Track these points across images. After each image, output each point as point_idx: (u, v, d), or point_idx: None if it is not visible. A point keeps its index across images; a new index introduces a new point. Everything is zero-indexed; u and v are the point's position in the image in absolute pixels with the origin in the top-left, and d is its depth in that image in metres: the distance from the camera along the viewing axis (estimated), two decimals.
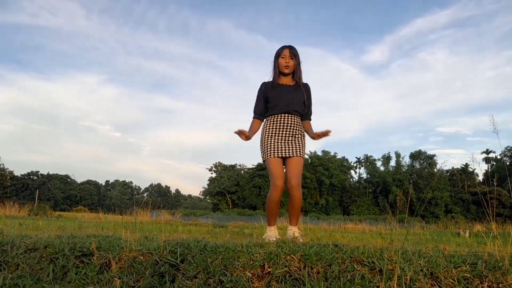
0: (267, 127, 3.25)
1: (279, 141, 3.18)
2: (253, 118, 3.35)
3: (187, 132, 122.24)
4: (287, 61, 3.24)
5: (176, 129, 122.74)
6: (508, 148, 53.39)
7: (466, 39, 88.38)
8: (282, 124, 3.21)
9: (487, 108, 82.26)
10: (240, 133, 3.12)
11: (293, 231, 3.14)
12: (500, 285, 1.71)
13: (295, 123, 3.23)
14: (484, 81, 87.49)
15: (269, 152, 3.18)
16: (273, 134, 3.21)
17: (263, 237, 3.21)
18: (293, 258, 1.94)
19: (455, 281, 1.74)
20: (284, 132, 3.20)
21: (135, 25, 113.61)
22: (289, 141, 3.19)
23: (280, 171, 3.12)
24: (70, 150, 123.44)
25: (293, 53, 3.27)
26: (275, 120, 3.22)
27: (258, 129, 3.33)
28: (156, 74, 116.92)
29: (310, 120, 3.37)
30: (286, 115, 3.21)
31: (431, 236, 6.94)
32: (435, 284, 1.76)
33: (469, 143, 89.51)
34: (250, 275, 1.87)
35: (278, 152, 3.16)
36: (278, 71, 3.29)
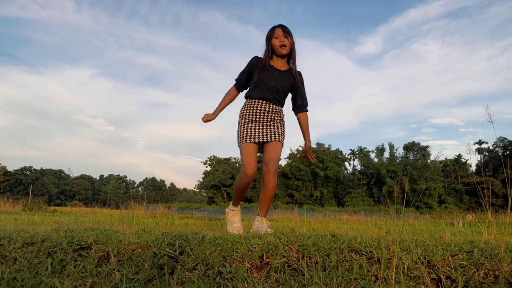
0: (245, 112, 3.07)
1: (256, 127, 3.01)
2: (233, 86, 3.23)
3: (181, 126, 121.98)
4: (282, 40, 3.00)
5: (170, 123, 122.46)
6: (501, 138, 53.85)
7: (459, 30, 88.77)
8: (259, 110, 3.02)
9: (480, 99, 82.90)
10: (206, 119, 3.15)
11: (262, 222, 2.94)
12: (497, 272, 1.73)
13: (274, 110, 3.05)
14: (477, 72, 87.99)
15: (244, 137, 3.00)
16: (250, 120, 3.03)
17: (226, 213, 3.25)
18: (291, 248, 1.95)
19: (452, 269, 1.77)
20: (261, 118, 3.02)
21: (127, 18, 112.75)
22: (267, 127, 3.01)
23: (252, 159, 2.93)
24: (63, 144, 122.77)
25: (287, 31, 3.03)
26: (253, 105, 3.04)
27: (230, 99, 3.22)
28: (149, 67, 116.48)
29: (307, 111, 3.16)
30: (265, 102, 3.03)
31: (425, 226, 7.00)
32: (432, 272, 1.78)
33: (461, 134, 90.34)
34: (249, 265, 1.88)
35: (253, 138, 2.98)
36: (270, 53, 3.07)
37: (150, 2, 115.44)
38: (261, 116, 3.02)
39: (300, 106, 3.15)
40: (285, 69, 3.10)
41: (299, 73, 3.16)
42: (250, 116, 3.03)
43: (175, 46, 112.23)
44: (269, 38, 3.06)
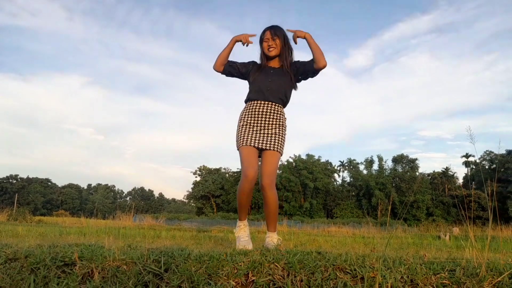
0: (243, 115, 3.05)
1: (254, 130, 2.96)
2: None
3: (171, 135, 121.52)
4: (270, 43, 3.03)
5: (160, 132, 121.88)
6: (487, 152, 54.63)
7: (446, 44, 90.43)
8: (257, 112, 2.97)
9: (467, 112, 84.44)
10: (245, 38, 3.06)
11: (272, 238, 2.95)
12: None
13: (273, 111, 2.98)
14: (464, 85, 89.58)
15: (241, 140, 2.95)
16: (248, 123, 2.99)
17: (234, 231, 3.09)
18: (276, 266, 1.95)
19: (434, 287, 1.79)
20: (259, 122, 2.96)
21: (118, 27, 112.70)
22: (265, 132, 2.94)
23: (252, 160, 2.84)
24: (51, 153, 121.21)
25: (275, 33, 3.03)
26: (251, 107, 3.01)
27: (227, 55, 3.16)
28: (140, 77, 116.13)
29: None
30: (263, 102, 2.98)
31: (412, 239, 7.06)
32: None
33: (449, 146, 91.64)
34: (234, 284, 1.88)
35: (251, 141, 2.92)
36: (263, 56, 3.12)
37: (142, 12, 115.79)
38: (260, 119, 2.96)
39: (311, 61, 3.05)
40: (279, 66, 3.11)
41: (296, 62, 3.13)
42: (248, 118, 2.99)
43: (166, 55, 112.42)
44: (260, 41, 3.11)
